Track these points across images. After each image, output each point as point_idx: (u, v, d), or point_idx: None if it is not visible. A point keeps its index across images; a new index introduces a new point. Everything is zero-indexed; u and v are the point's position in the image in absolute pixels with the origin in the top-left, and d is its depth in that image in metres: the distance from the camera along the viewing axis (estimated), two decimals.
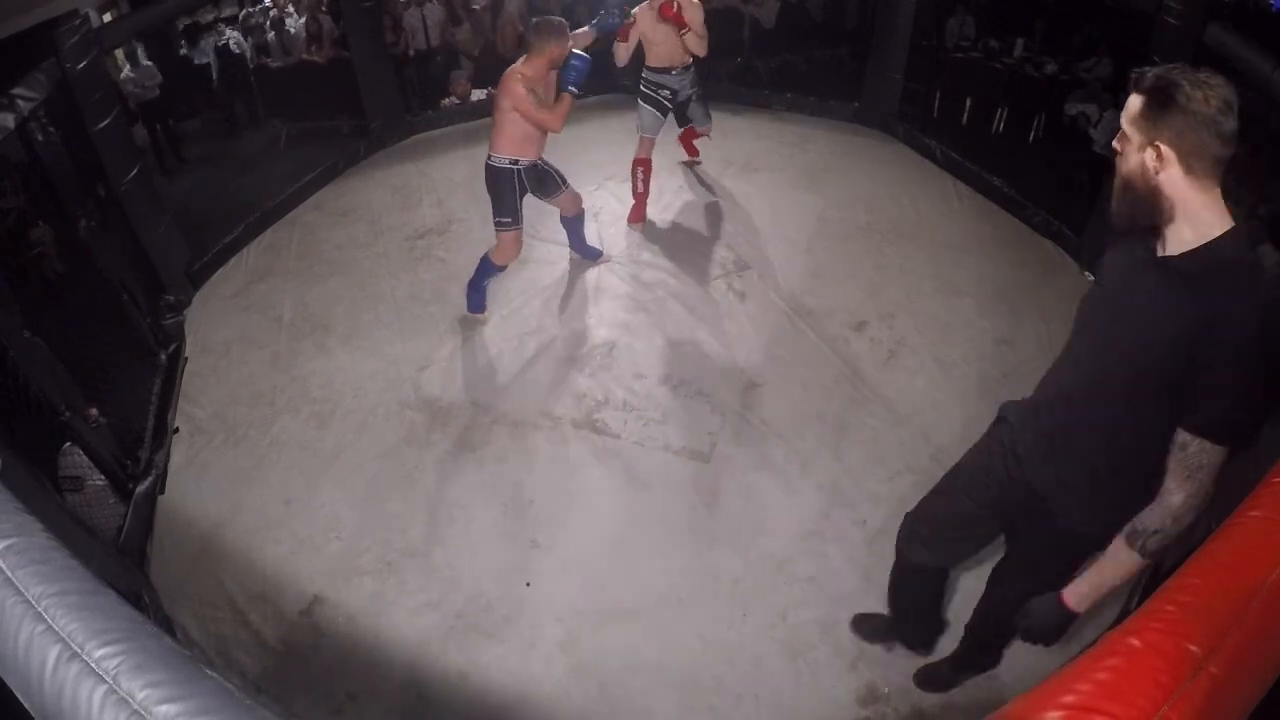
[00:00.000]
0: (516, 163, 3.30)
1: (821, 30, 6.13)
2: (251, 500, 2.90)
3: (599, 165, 4.79)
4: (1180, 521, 1.30)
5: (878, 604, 2.32)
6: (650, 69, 4.01)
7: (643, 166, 4.16)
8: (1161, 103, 1.18)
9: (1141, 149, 1.22)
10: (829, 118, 5.39)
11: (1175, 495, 1.28)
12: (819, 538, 2.66)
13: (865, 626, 2.37)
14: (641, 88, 4.08)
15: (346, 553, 2.69)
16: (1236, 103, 1.15)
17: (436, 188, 4.77)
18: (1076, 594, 1.47)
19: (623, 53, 3.85)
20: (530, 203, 3.49)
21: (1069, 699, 0.81)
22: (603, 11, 3.48)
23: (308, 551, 2.71)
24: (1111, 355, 1.37)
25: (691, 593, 2.51)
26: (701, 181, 4.71)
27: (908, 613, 2.23)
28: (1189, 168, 1.19)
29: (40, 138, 2.93)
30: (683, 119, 4.35)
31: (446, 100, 5.74)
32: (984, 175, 4.53)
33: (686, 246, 4.14)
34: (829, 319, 3.62)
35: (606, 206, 4.46)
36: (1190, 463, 1.26)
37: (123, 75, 5.42)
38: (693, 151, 4.82)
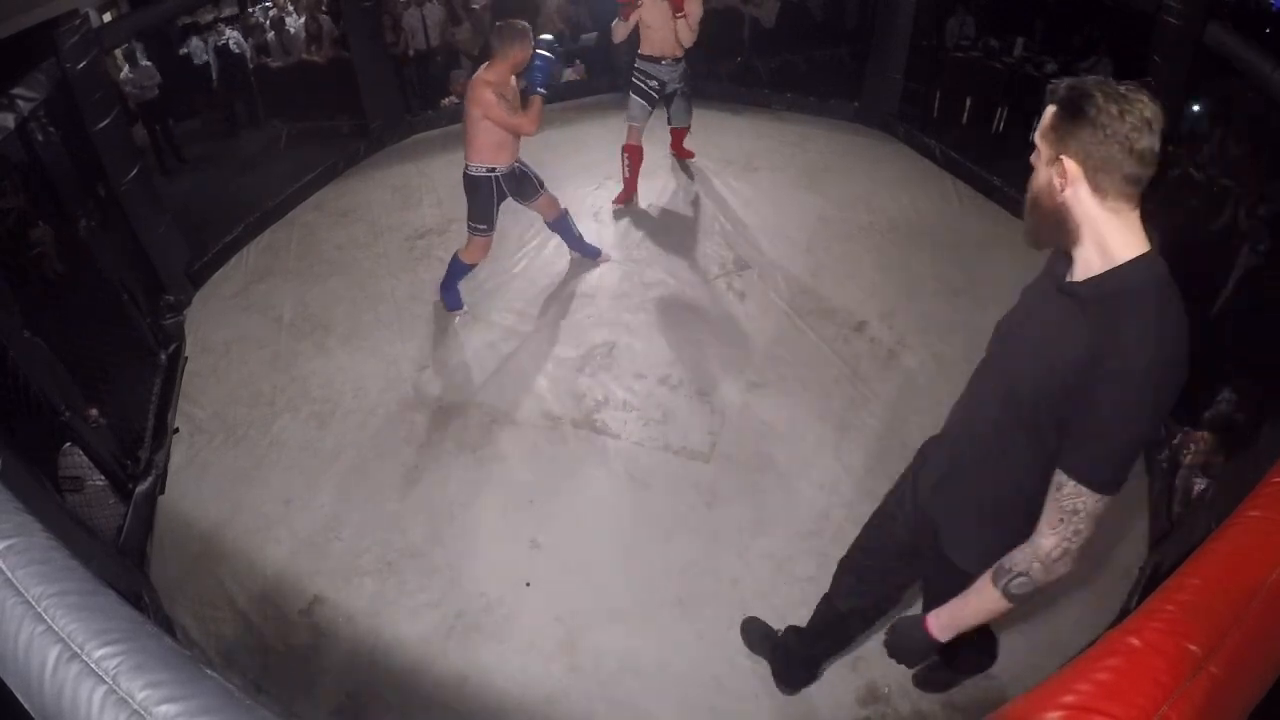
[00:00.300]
0: (494, 170, 3.31)
1: (821, 30, 6.12)
2: (251, 500, 2.89)
3: (597, 164, 4.79)
4: (1050, 569, 1.20)
5: None
6: (642, 57, 4.14)
7: (630, 153, 4.29)
8: (1071, 113, 1.10)
9: (1050, 163, 1.14)
10: (829, 117, 5.39)
11: (1046, 538, 1.19)
12: (819, 538, 2.66)
13: (751, 630, 2.34)
14: (633, 78, 4.20)
15: (346, 553, 2.69)
16: (1160, 123, 1.07)
17: (436, 188, 4.77)
18: (937, 621, 1.40)
19: (621, 31, 4.01)
20: None
21: (1069, 699, 0.81)
22: (536, 64, 3.18)
23: (308, 551, 2.71)
24: (1003, 385, 1.28)
25: (691, 593, 2.51)
26: (702, 181, 4.71)
27: (790, 657, 2.18)
28: (1097, 186, 1.10)
29: (40, 138, 2.93)
30: (666, 113, 4.44)
31: (446, 100, 5.73)
32: (984, 175, 4.53)
33: (687, 246, 4.14)
34: (829, 319, 3.62)
35: (606, 206, 4.46)
36: (1064, 505, 1.16)
37: (122, 75, 5.41)
38: (684, 153, 4.84)
